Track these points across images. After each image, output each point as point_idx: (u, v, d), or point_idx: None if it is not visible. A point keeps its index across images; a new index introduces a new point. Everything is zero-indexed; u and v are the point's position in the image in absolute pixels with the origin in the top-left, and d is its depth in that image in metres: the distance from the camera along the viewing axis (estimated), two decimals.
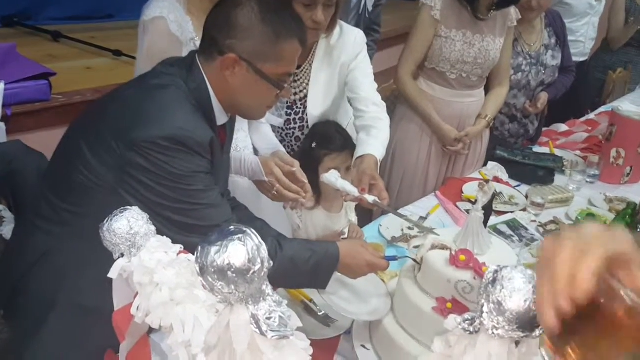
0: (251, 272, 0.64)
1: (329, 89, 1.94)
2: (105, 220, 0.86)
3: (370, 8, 2.82)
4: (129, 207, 0.88)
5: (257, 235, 0.64)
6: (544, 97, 2.62)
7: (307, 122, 1.95)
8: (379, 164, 1.71)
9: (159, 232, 0.90)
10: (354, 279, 1.34)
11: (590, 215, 1.64)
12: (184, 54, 1.47)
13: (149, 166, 1.16)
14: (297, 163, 1.59)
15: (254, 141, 1.82)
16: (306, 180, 1.57)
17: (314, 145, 1.80)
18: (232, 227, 0.65)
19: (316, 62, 1.91)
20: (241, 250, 0.62)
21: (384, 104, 1.96)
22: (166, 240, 0.88)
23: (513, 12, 2.36)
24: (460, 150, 2.44)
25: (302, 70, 1.91)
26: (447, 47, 2.30)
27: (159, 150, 1.15)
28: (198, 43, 1.49)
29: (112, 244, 0.85)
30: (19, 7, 3.02)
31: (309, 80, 1.92)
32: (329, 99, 1.95)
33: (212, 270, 0.64)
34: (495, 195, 1.85)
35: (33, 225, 1.31)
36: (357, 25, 2.84)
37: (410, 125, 2.46)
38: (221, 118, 1.32)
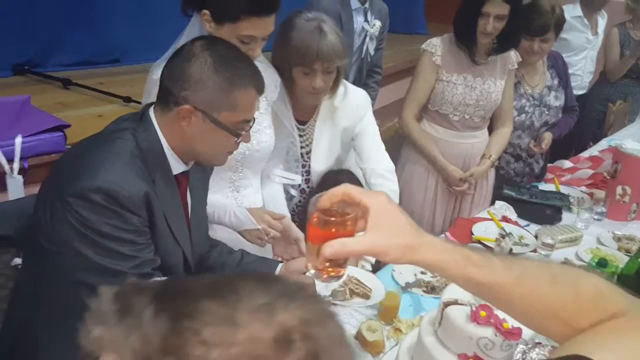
0: None
1: (331, 148, 2.00)
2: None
3: (372, 52, 2.88)
4: None
5: None
6: (548, 137, 2.65)
7: (310, 175, 2.01)
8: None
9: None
10: None
11: (602, 260, 1.66)
12: None
13: (75, 223, 1.13)
14: (287, 216, 1.65)
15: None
16: (300, 235, 1.58)
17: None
18: None
19: (319, 122, 1.97)
20: None
21: (393, 169, 2.02)
22: None
23: (513, 55, 2.42)
24: (465, 190, 2.47)
25: (308, 126, 1.97)
26: (449, 91, 2.35)
27: (85, 205, 1.12)
28: None
29: None
30: (28, 54, 3.08)
31: (313, 138, 1.98)
32: (332, 158, 2.01)
33: None
34: (512, 250, 1.87)
35: (15, 291, 1.31)
36: (359, 68, 2.91)
37: (415, 167, 2.50)
38: (178, 167, 1.31)
